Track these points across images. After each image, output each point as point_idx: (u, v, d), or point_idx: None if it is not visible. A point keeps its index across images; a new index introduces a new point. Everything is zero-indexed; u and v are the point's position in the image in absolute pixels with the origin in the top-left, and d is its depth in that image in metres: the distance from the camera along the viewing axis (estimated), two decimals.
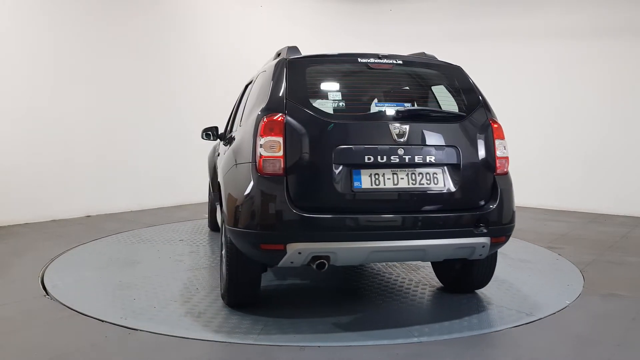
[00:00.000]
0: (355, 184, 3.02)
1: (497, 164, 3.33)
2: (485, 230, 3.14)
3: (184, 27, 8.35)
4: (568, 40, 8.27)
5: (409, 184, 3.09)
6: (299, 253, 2.95)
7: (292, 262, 3.02)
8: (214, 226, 6.09)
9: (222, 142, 4.97)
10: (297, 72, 3.26)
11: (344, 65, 3.57)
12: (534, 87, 8.61)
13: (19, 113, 6.54)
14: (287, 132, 3.02)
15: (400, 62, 3.46)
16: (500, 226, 3.24)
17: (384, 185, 3.06)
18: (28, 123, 6.63)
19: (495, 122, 3.41)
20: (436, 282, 4.17)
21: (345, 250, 3.02)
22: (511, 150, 3.64)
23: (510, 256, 4.99)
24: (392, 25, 9.88)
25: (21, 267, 4.59)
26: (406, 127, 3.11)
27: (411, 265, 4.71)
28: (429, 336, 3.09)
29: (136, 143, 7.77)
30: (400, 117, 3.16)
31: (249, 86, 4.37)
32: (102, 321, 3.28)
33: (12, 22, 6.46)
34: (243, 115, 3.82)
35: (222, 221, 3.61)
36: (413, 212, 3.10)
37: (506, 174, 3.41)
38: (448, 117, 3.34)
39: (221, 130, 5.22)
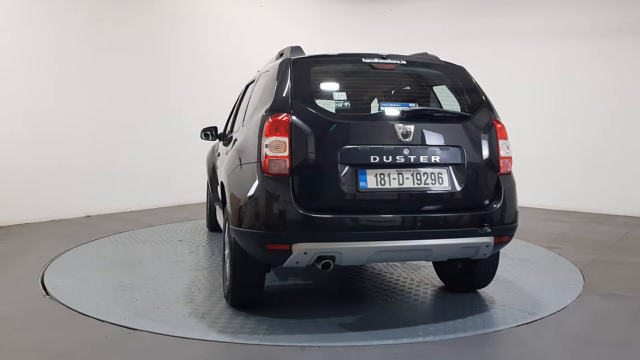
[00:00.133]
0: (361, 184, 3.03)
1: (501, 164, 3.35)
2: (489, 230, 3.16)
3: (184, 28, 8.34)
4: (568, 40, 8.28)
5: (414, 184, 3.10)
6: (305, 253, 2.96)
7: (297, 262, 3.02)
8: (212, 226, 6.08)
9: (221, 142, 4.97)
10: (301, 72, 3.26)
11: (348, 65, 3.58)
12: (533, 87, 8.61)
13: (19, 113, 6.53)
14: (292, 132, 3.02)
15: (404, 62, 3.47)
16: (503, 226, 3.26)
17: (390, 185, 3.06)
18: (28, 123, 6.61)
19: (499, 122, 3.43)
20: (438, 282, 4.17)
21: (351, 250, 3.02)
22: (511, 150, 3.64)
23: (510, 256, 4.99)
24: (392, 25, 9.88)
25: (21, 267, 4.59)
26: (411, 127, 3.12)
27: (412, 264, 4.71)
28: (434, 335, 3.09)
29: (136, 143, 7.76)
30: (405, 117, 3.17)
31: (250, 86, 4.36)
32: (102, 321, 3.27)
33: (11, 22, 6.44)
34: (246, 115, 3.82)
35: (226, 221, 3.60)
36: (418, 212, 3.11)
37: (509, 173, 3.43)
38: (452, 117, 3.35)
39: (220, 130, 5.22)
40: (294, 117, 3.05)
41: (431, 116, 3.32)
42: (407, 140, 3.10)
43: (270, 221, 2.99)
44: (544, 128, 8.51)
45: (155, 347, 2.93)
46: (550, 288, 4.06)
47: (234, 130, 4.38)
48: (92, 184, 7.24)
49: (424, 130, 3.16)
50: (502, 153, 3.36)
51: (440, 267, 4.11)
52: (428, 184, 3.12)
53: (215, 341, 3.00)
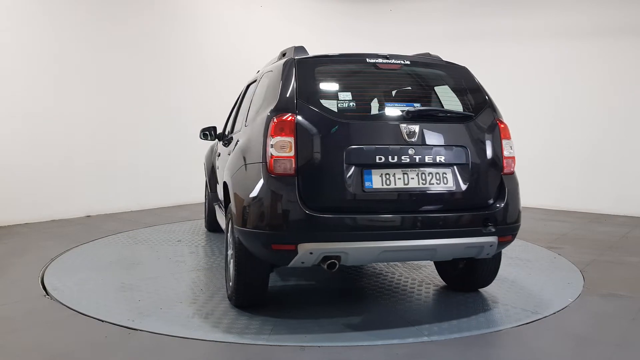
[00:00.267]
0: (367, 184, 3.03)
1: (504, 164, 3.36)
2: (493, 230, 3.17)
3: (184, 28, 8.33)
4: (568, 40, 8.28)
5: (419, 184, 3.10)
6: (311, 253, 2.96)
7: (303, 262, 3.02)
8: (211, 227, 6.07)
9: (221, 143, 4.96)
10: (306, 71, 3.25)
11: (352, 66, 3.58)
12: (533, 87, 8.61)
13: (19, 113, 6.51)
14: (297, 132, 3.02)
15: (408, 62, 3.49)
16: (507, 225, 3.28)
17: (395, 185, 3.07)
18: (28, 123, 6.60)
19: (502, 122, 3.44)
20: (439, 281, 4.17)
21: (356, 250, 3.02)
22: None
23: (510, 255, 4.99)
24: (392, 25, 9.88)
25: (21, 267, 4.58)
26: (416, 127, 3.13)
27: (412, 264, 4.71)
28: (439, 335, 3.09)
29: (136, 143, 7.75)
30: (410, 117, 3.18)
31: (252, 86, 4.35)
32: (102, 321, 3.27)
33: (11, 22, 6.43)
34: (248, 115, 3.81)
35: (229, 221, 3.60)
36: (423, 212, 3.13)
37: (512, 173, 3.44)
38: (456, 118, 3.36)
39: (219, 131, 5.21)
40: (299, 117, 3.05)
41: (436, 116, 3.32)
42: (412, 140, 3.11)
43: (276, 221, 3.00)
44: (544, 128, 8.51)
45: (155, 347, 2.93)
46: (551, 287, 4.06)
47: (235, 130, 4.37)
48: (92, 184, 7.23)
49: (429, 131, 3.17)
50: (505, 153, 3.37)
51: (442, 266, 4.11)
52: (433, 184, 3.13)
53: (215, 341, 3.00)
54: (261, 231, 3.04)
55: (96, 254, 5.05)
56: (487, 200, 3.28)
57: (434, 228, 3.10)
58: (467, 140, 3.26)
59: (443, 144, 3.19)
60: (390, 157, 3.06)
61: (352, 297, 3.89)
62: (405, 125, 3.12)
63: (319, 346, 2.92)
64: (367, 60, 3.40)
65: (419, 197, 3.11)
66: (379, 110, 3.45)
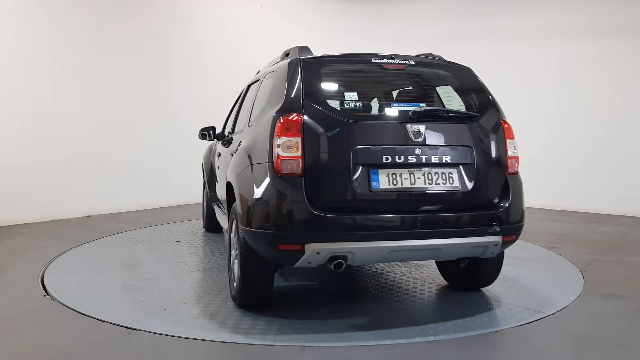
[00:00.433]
0: (374, 184, 3.03)
1: (509, 164, 3.38)
2: (498, 229, 3.19)
3: (184, 28, 8.32)
4: (568, 40, 8.28)
5: (425, 184, 3.11)
6: (318, 253, 2.96)
7: (309, 263, 3.02)
8: (209, 227, 6.06)
9: (220, 143, 4.95)
10: (312, 71, 3.25)
11: (357, 66, 3.59)
12: (533, 87, 8.62)
13: (19, 113, 6.50)
14: (304, 132, 3.02)
15: (413, 62, 3.50)
16: (512, 225, 3.30)
17: (402, 185, 3.08)
18: (28, 123, 6.59)
19: (506, 122, 3.46)
20: (441, 280, 4.17)
21: (363, 250, 3.02)
22: None
23: (511, 255, 4.98)
24: (392, 25, 9.87)
25: (21, 267, 4.57)
26: (422, 127, 3.14)
27: (413, 263, 4.71)
28: (444, 334, 3.09)
29: (136, 143, 7.74)
30: (417, 117, 3.18)
31: (254, 86, 4.33)
32: (102, 321, 3.26)
33: (11, 22, 6.41)
34: (252, 115, 3.80)
35: (232, 221, 3.59)
36: (429, 212, 3.14)
37: (516, 173, 3.46)
38: (462, 117, 3.36)
39: (219, 131, 5.20)
40: (305, 117, 3.05)
41: (441, 116, 3.33)
42: (419, 140, 3.12)
43: (283, 221, 3.00)
44: (544, 128, 8.51)
45: (155, 347, 2.92)
46: (552, 286, 4.07)
47: (237, 130, 4.35)
48: (92, 184, 7.22)
49: (435, 131, 3.18)
50: (509, 153, 3.38)
51: (444, 265, 4.11)
52: (439, 183, 3.14)
53: (216, 341, 2.99)
54: (268, 231, 3.04)
55: (96, 254, 5.04)
56: (492, 200, 3.29)
57: (440, 228, 3.11)
58: (472, 140, 3.27)
59: (449, 143, 3.20)
60: (397, 157, 3.07)
61: (354, 297, 3.89)
62: (411, 125, 3.13)
63: (319, 346, 2.92)
64: (373, 60, 3.41)
65: (426, 197, 3.12)
66: (385, 110, 3.45)
